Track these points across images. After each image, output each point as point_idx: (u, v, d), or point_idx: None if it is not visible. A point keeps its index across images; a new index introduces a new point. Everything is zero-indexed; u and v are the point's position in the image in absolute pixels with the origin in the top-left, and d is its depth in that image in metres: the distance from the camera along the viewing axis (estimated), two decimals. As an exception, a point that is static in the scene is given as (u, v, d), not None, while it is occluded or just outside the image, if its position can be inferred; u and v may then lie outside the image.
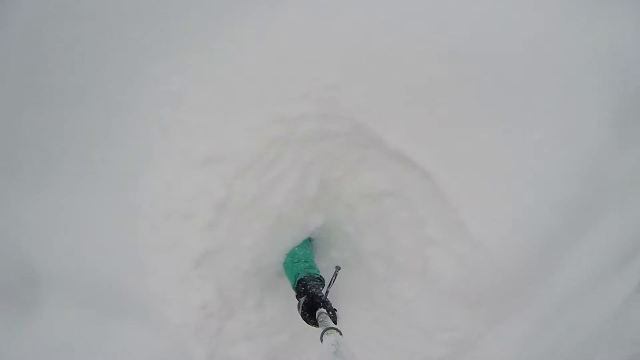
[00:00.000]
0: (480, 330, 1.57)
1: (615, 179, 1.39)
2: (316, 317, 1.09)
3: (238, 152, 1.18)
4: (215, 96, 1.15)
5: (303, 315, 1.16)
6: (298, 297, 1.24)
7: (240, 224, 1.29)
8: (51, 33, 0.95)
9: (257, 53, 1.11)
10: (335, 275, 1.26)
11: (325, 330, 0.95)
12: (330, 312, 1.10)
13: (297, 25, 1.08)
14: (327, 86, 1.15)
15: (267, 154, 1.21)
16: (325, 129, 1.23)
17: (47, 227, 1.30)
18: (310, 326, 1.14)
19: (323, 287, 1.26)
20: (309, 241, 1.62)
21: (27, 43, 0.97)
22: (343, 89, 1.16)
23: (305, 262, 1.41)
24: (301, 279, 1.28)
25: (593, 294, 1.61)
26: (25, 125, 1.10)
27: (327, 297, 1.21)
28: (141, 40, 1.02)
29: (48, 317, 1.45)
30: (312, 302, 1.15)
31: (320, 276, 1.32)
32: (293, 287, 1.32)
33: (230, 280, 1.36)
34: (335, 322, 1.04)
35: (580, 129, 1.27)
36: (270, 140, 1.20)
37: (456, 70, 1.14)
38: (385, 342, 1.59)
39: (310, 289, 1.21)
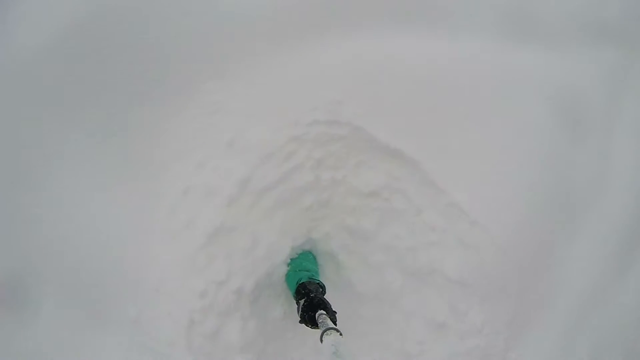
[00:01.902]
0: (504, 336, 1.51)
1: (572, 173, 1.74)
2: (316, 318, 1.11)
3: (261, 144, 1.46)
4: (247, 107, 1.51)
5: (303, 317, 1.17)
6: (298, 299, 1.25)
7: (258, 207, 1.41)
8: (128, 41, 1.35)
9: (282, 78, 1.55)
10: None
11: (325, 331, 0.98)
12: (330, 314, 1.13)
13: (311, 59, 1.57)
14: (332, 101, 1.56)
15: (285, 147, 1.48)
16: (331, 133, 1.56)
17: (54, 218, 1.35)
18: (310, 328, 1.16)
19: (324, 293, 1.29)
20: (312, 255, 1.68)
21: (107, 51, 1.35)
22: (344, 103, 1.56)
23: (307, 271, 1.46)
24: (301, 283, 1.31)
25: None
26: (89, 118, 1.35)
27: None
28: (200, 63, 1.45)
29: (41, 319, 1.29)
30: (312, 304, 1.17)
31: (321, 282, 1.35)
32: (293, 295, 1.34)
33: (239, 266, 1.36)
34: (335, 324, 1.06)
35: (535, 130, 1.71)
36: (289, 138, 1.50)
37: (431, 88, 1.62)
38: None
39: (310, 292, 1.24)
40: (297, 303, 1.26)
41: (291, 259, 1.58)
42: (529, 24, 1.91)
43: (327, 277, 1.75)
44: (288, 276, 1.51)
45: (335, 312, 1.16)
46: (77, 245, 1.36)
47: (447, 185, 1.50)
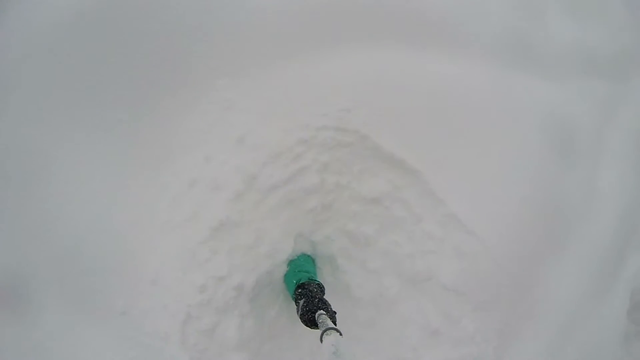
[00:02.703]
0: (494, 345, 1.56)
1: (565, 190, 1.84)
2: (316, 318, 1.12)
3: (270, 144, 1.50)
4: (259, 106, 1.56)
5: (302, 318, 1.17)
6: (297, 300, 1.26)
7: (264, 205, 1.45)
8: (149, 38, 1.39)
9: (294, 83, 1.61)
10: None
11: (325, 331, 0.98)
12: (330, 314, 1.13)
13: (324, 68, 1.65)
14: (341, 109, 1.63)
15: (294, 149, 1.54)
16: (338, 138, 1.62)
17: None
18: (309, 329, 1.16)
19: (323, 293, 1.30)
20: (311, 258, 1.71)
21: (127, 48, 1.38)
22: (352, 111, 1.64)
23: (307, 272, 1.47)
24: (301, 284, 1.31)
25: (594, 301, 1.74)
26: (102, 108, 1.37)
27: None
28: (210, 61, 1.49)
29: (40, 320, 1.28)
30: (312, 304, 1.17)
31: (320, 283, 1.37)
32: (292, 296, 1.34)
33: (240, 262, 1.37)
34: (335, 324, 1.07)
35: (529, 151, 1.81)
36: (297, 140, 1.55)
37: (435, 105, 1.71)
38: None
39: (309, 292, 1.24)
40: (297, 303, 1.25)
41: (290, 260, 1.58)
42: (526, 54, 2.06)
43: (324, 279, 1.76)
44: (286, 276, 1.52)
45: (335, 312, 1.17)
46: (72, 234, 1.35)
47: (446, 196, 1.57)
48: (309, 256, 1.70)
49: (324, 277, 1.78)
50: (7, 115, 1.27)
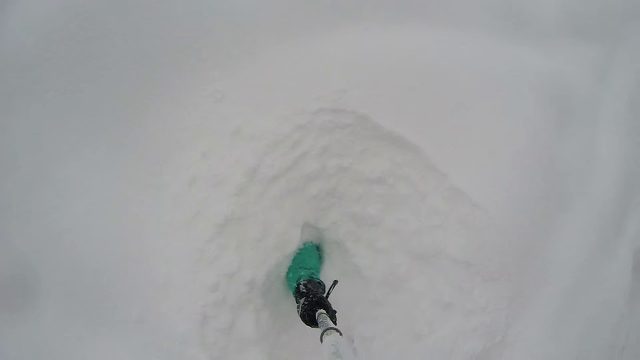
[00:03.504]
0: (505, 313, 1.58)
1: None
2: (316, 318, 1.12)
3: (268, 133, 1.47)
4: (251, 96, 1.50)
5: (302, 317, 1.18)
6: (298, 299, 1.26)
7: (267, 196, 1.43)
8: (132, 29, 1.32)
9: (286, 69, 1.57)
10: (333, 287, 1.30)
11: (325, 331, 0.99)
12: (330, 313, 1.14)
13: (315, 52, 1.61)
14: (337, 90, 1.59)
15: (292, 135, 1.50)
16: (337, 121, 1.60)
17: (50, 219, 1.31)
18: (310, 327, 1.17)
19: (323, 292, 1.30)
20: (315, 248, 1.69)
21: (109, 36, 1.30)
22: (348, 92, 1.60)
23: (309, 269, 1.46)
24: (301, 282, 1.32)
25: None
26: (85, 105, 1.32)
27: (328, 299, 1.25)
28: (201, 52, 1.43)
29: (40, 325, 1.26)
30: (312, 303, 1.18)
31: (321, 281, 1.36)
32: (293, 293, 1.34)
33: (249, 257, 1.36)
34: (335, 323, 1.08)
35: (526, 120, 1.80)
36: (295, 126, 1.52)
37: (429, 80, 1.68)
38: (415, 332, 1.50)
39: (309, 291, 1.25)
40: (297, 302, 1.25)
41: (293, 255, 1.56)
42: (518, 22, 2.03)
43: (334, 264, 1.77)
44: (289, 273, 1.50)
45: (335, 312, 1.17)
46: (75, 242, 1.31)
47: (448, 170, 1.57)
48: (313, 246, 1.68)
49: (333, 261, 1.78)
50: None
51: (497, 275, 1.56)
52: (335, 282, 1.20)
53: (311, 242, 1.70)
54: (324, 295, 1.27)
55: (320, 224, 1.65)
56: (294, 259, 1.55)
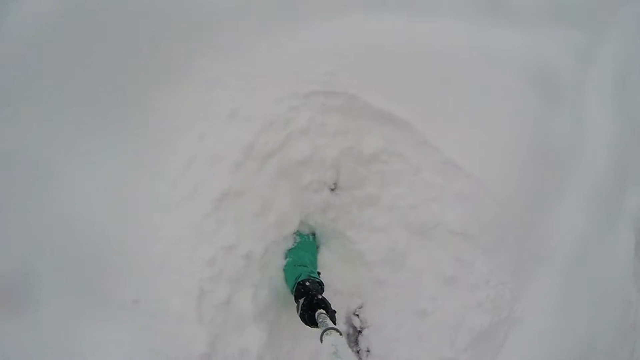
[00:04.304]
0: (510, 286, 1.55)
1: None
2: (315, 318, 1.12)
3: (263, 113, 1.50)
4: (244, 82, 1.56)
5: (302, 317, 1.18)
6: (297, 298, 1.26)
7: (264, 174, 1.44)
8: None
9: (276, 56, 1.62)
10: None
11: (325, 331, 1.00)
12: (330, 313, 1.14)
13: (303, 39, 1.67)
14: (326, 73, 1.65)
15: (286, 115, 1.54)
16: (328, 102, 1.64)
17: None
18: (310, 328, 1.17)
19: (322, 291, 1.29)
20: (311, 239, 1.67)
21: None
22: (336, 74, 1.66)
23: (306, 266, 1.44)
24: (301, 282, 1.30)
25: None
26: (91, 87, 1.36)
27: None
28: (193, 39, 1.49)
29: (36, 312, 1.23)
30: (311, 303, 1.17)
31: (321, 280, 1.35)
32: (291, 291, 1.33)
33: (248, 230, 1.36)
34: (334, 323, 1.08)
35: (513, 95, 1.84)
36: (289, 107, 1.55)
37: (415, 62, 1.73)
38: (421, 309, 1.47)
39: (309, 290, 1.24)
40: (297, 302, 1.25)
41: (289, 250, 1.54)
42: (502, 9, 2.12)
43: (335, 251, 1.74)
44: (286, 270, 1.48)
45: (335, 312, 1.17)
46: (73, 226, 1.30)
47: (439, 144, 1.59)
48: (308, 237, 1.65)
49: (334, 248, 1.75)
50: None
51: (496, 246, 1.55)
52: (334, 312, 1.19)
53: (307, 234, 1.67)
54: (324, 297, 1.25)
55: (319, 219, 1.62)
56: (290, 254, 1.52)
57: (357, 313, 1.67)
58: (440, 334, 1.50)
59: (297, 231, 1.61)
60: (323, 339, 0.98)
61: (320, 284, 1.33)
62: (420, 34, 1.84)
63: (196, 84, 1.53)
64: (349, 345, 1.53)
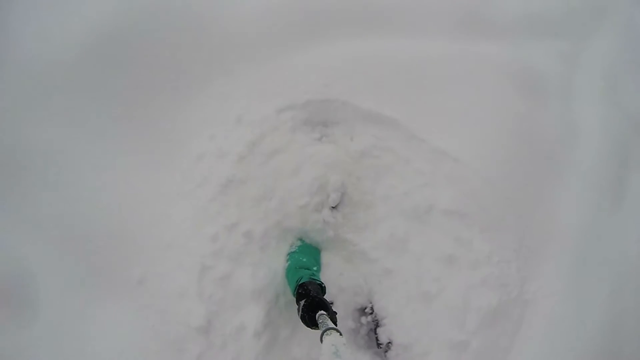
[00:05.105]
0: (515, 265, 1.56)
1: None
2: (316, 319, 1.14)
3: (266, 119, 1.76)
4: (251, 94, 1.85)
5: (303, 318, 1.20)
6: (298, 301, 1.27)
7: (266, 166, 1.63)
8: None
9: (278, 73, 1.93)
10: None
11: (325, 331, 1.01)
12: (330, 314, 1.15)
13: (300, 59, 1.98)
14: (321, 85, 1.92)
15: (288, 121, 1.78)
16: (324, 107, 1.88)
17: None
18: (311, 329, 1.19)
19: (324, 293, 1.32)
20: (317, 251, 1.68)
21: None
22: (330, 85, 1.92)
23: (307, 269, 1.46)
24: (302, 284, 1.32)
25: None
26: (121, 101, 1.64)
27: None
28: (211, 65, 1.85)
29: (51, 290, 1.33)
30: (312, 304, 1.19)
31: (322, 282, 1.37)
32: (293, 293, 1.35)
33: (249, 213, 1.49)
34: (335, 324, 1.09)
35: (497, 95, 2.00)
36: (291, 116, 1.81)
37: (402, 71, 1.98)
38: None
39: (310, 292, 1.26)
40: (297, 303, 1.26)
41: (290, 253, 1.56)
42: (484, 25, 2.39)
43: (338, 254, 1.81)
44: (288, 272, 1.48)
45: (336, 313, 1.19)
46: (88, 211, 1.43)
47: (426, 137, 1.74)
48: (308, 244, 1.66)
49: (338, 251, 1.82)
50: (33, 116, 1.48)
51: (494, 225, 1.58)
52: (335, 313, 1.22)
53: (308, 243, 1.67)
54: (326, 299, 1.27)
55: (319, 236, 1.64)
56: (291, 257, 1.54)
57: (367, 310, 1.62)
58: (448, 316, 1.49)
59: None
60: (323, 339, 0.99)
61: (322, 286, 1.34)
62: (403, 50, 2.12)
63: (211, 97, 1.84)
64: (366, 343, 1.53)
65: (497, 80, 2.10)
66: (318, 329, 1.09)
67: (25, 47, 1.51)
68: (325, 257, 1.70)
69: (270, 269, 1.48)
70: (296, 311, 1.28)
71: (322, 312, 1.14)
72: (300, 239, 1.64)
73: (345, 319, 1.62)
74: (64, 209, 1.42)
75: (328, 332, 0.99)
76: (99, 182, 1.49)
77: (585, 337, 1.47)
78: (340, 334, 0.99)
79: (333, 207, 1.64)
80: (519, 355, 1.46)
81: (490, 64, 2.20)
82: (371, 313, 1.59)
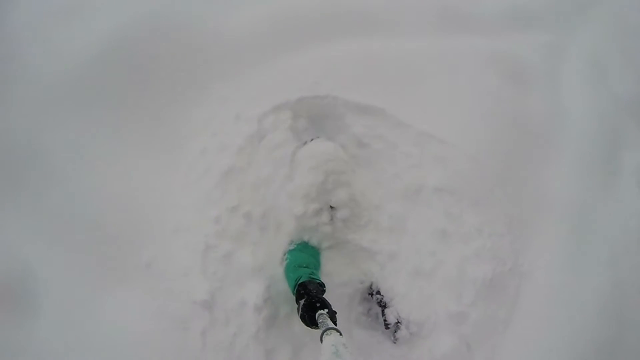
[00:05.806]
0: (508, 239, 1.60)
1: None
2: (316, 318, 1.14)
3: (263, 115, 1.88)
4: (248, 95, 1.99)
5: (303, 318, 1.20)
6: (298, 300, 1.27)
7: (264, 158, 1.74)
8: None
9: (271, 76, 2.08)
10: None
11: (325, 331, 1.01)
12: (330, 314, 1.15)
13: (291, 62, 2.13)
14: (311, 83, 2.05)
15: (284, 119, 1.90)
16: (316, 103, 2.00)
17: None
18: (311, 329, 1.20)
19: (323, 293, 1.31)
20: (316, 249, 1.66)
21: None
22: (320, 83, 2.05)
23: (306, 267, 1.45)
24: (301, 283, 1.31)
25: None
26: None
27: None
28: (211, 71, 2.02)
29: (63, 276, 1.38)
30: (312, 304, 1.19)
31: (322, 282, 1.37)
32: (292, 292, 1.35)
33: (250, 196, 1.60)
34: (335, 324, 1.10)
35: (481, 81, 2.09)
36: (287, 114, 1.93)
37: (386, 67, 2.10)
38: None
39: (310, 291, 1.25)
40: (297, 303, 1.26)
41: (289, 251, 1.54)
42: (467, 20, 2.52)
43: (342, 253, 1.81)
44: (287, 270, 1.47)
45: (335, 312, 1.19)
46: (100, 201, 1.51)
47: (412, 122, 1.83)
48: (307, 244, 1.61)
49: (341, 252, 1.84)
50: (48, 120, 1.62)
51: (483, 200, 1.63)
52: (335, 312, 1.20)
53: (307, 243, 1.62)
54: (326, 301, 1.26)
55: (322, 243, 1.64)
56: (290, 255, 1.52)
57: (374, 294, 1.61)
58: (446, 289, 1.51)
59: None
60: (323, 339, 0.98)
61: (321, 284, 1.34)
62: (388, 48, 2.26)
63: (212, 100, 1.98)
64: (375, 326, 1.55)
65: (480, 70, 2.20)
66: (318, 328, 1.09)
67: (37, 60, 1.69)
68: (326, 255, 1.68)
69: (269, 250, 1.55)
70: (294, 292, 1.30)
71: (322, 311, 1.14)
72: (300, 239, 1.62)
73: (350, 306, 1.63)
74: (77, 202, 1.53)
75: (328, 332, 0.99)
76: (110, 176, 1.61)
77: (584, 307, 1.47)
78: (340, 334, 0.98)
79: (332, 207, 1.63)
80: (518, 325, 1.46)
81: (474, 56, 2.30)
82: (378, 293, 1.59)
